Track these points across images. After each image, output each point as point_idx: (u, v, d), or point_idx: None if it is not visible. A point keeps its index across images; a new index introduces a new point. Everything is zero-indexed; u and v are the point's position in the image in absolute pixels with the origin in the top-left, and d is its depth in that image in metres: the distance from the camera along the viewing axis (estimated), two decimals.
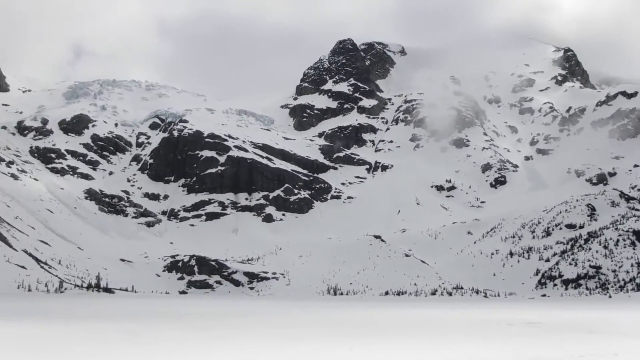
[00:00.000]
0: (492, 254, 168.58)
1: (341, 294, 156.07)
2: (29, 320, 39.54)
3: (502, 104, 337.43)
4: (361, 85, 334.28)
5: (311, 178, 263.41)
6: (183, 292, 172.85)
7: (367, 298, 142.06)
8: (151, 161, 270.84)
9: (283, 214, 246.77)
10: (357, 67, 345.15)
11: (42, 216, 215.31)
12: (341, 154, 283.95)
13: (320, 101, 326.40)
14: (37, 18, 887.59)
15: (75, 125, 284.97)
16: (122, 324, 38.03)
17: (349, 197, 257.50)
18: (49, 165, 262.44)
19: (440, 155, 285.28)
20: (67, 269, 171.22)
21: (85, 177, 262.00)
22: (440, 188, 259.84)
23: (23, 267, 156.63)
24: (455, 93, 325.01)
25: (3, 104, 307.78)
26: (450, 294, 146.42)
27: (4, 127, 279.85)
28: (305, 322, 42.36)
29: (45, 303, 76.17)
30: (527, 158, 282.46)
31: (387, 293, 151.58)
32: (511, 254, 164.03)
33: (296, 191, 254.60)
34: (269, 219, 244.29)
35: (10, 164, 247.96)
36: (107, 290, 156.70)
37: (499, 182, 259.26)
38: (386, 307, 76.01)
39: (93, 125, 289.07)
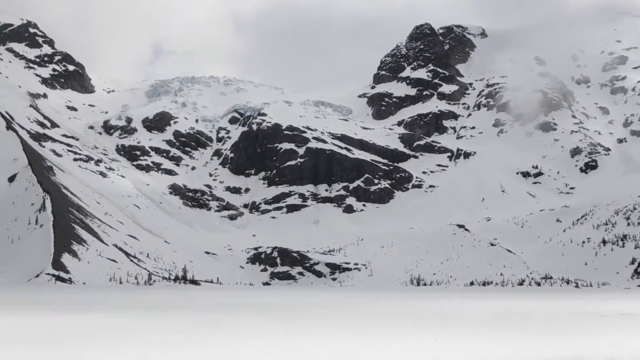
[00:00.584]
0: (584, 242, 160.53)
1: (424, 284, 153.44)
2: (122, 311, 40.64)
3: (591, 84, 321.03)
4: (440, 70, 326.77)
5: (391, 167, 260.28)
6: (266, 284, 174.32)
7: (452, 289, 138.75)
8: (232, 155, 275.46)
9: (364, 205, 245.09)
10: (436, 52, 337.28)
11: (130, 211, 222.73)
12: (421, 142, 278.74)
13: (398, 89, 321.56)
14: (118, 19, 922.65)
15: (157, 122, 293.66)
16: (209, 314, 38.43)
17: (430, 186, 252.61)
18: (135, 163, 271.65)
19: (525, 140, 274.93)
20: (155, 262, 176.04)
21: (169, 172, 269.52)
22: (526, 174, 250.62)
23: (114, 260, 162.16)
24: (540, 74, 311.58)
25: (89, 105, 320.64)
26: (538, 284, 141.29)
27: (92, 127, 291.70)
28: (389, 314, 41.20)
29: (135, 295, 78.11)
30: (620, 141, 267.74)
31: (472, 283, 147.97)
32: (604, 242, 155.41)
33: (376, 181, 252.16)
34: (349, 209, 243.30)
35: (98, 162, 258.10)
36: (194, 282, 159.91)
37: (590, 166, 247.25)
38: (471, 298, 73.75)
39: (175, 122, 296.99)
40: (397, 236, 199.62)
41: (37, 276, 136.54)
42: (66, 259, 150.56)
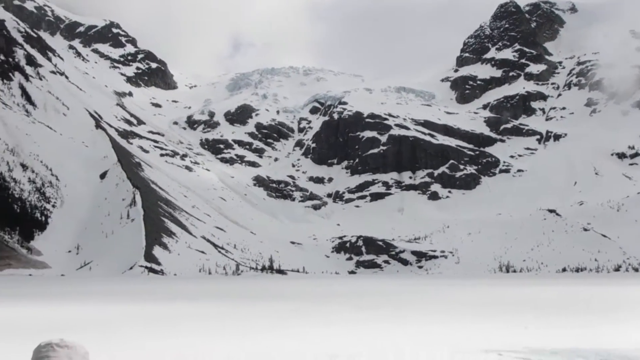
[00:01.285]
0: None
1: (514, 271, 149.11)
2: (216, 300, 40.89)
3: None
4: (527, 50, 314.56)
5: (477, 152, 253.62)
6: (352, 272, 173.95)
7: (543, 275, 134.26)
8: (313, 145, 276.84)
9: (449, 191, 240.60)
10: (522, 30, 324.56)
11: (216, 204, 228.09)
12: (508, 125, 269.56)
13: (483, 71, 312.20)
14: (197, 15, 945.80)
15: (239, 115, 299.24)
16: (296, 303, 38.46)
17: (518, 170, 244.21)
18: (219, 156, 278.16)
19: (621, 119, 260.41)
20: (242, 252, 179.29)
21: (253, 164, 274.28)
22: (621, 155, 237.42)
23: (202, 252, 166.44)
24: (637, 49, 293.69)
25: (173, 101, 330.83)
26: (636, 269, 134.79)
27: (176, 123, 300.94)
28: (479, 301, 39.71)
29: (225, 285, 79.58)
30: None
31: (564, 270, 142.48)
32: None
33: (462, 167, 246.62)
34: (434, 196, 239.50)
35: (184, 157, 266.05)
36: (280, 271, 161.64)
37: None
38: (564, 285, 70.58)
39: (256, 114, 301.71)
40: (484, 222, 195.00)
41: (130, 268, 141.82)
42: (157, 251, 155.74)
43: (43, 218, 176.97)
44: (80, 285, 75.37)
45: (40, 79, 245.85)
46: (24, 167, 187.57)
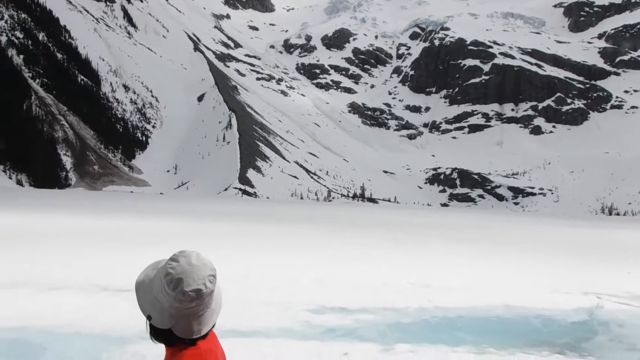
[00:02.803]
0: None
1: (617, 214, 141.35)
2: (307, 223, 40.65)
3: None
4: None
5: (587, 86, 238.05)
6: (444, 205, 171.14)
7: None
8: (412, 73, 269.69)
9: (553, 126, 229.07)
10: None
11: (310, 130, 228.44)
12: (626, 57, 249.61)
13: None
14: None
15: (336, 40, 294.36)
16: (393, 231, 37.09)
17: (632, 107, 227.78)
18: (314, 81, 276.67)
19: None
20: (334, 179, 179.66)
21: (348, 91, 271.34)
22: None
23: (295, 177, 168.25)
24: None
25: (270, 24, 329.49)
26: None
27: (272, 47, 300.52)
28: (579, 242, 36.90)
29: (317, 210, 79.57)
30: None
31: None
32: None
33: (569, 100, 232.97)
34: (537, 130, 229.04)
35: (279, 81, 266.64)
36: (371, 200, 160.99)
37: None
38: None
39: (354, 39, 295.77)
40: (589, 161, 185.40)
41: (225, 189, 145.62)
42: (251, 174, 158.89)
43: (144, 138, 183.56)
44: (180, 203, 76.97)
45: (141, 1, 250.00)
46: (126, 88, 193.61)
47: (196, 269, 2.27)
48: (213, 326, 2.42)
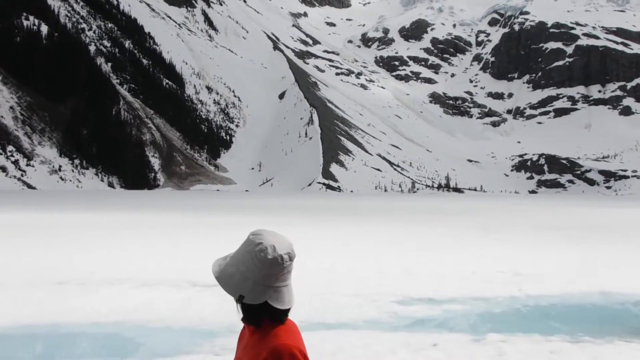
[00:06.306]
0: None
1: None
2: (390, 215, 40.13)
3: None
4: None
5: None
6: (533, 192, 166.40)
7: None
8: (492, 59, 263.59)
9: None
10: None
11: (391, 122, 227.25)
12: None
13: None
14: None
15: (414, 31, 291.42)
16: (479, 219, 37.59)
17: None
18: (394, 73, 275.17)
19: None
20: (418, 170, 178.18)
21: (428, 81, 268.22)
22: None
23: (378, 169, 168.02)
24: None
25: (347, 19, 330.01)
26: None
27: (350, 41, 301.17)
28: None
29: (401, 202, 79.48)
30: None
31: None
32: None
33: None
34: (626, 111, 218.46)
35: (359, 75, 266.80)
36: (457, 189, 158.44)
37: None
38: None
39: (431, 29, 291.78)
40: None
41: (309, 185, 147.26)
42: (334, 168, 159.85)
43: (228, 137, 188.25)
44: (266, 199, 78.36)
45: (221, 4, 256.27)
46: (209, 89, 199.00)
47: (280, 238, 2.32)
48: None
